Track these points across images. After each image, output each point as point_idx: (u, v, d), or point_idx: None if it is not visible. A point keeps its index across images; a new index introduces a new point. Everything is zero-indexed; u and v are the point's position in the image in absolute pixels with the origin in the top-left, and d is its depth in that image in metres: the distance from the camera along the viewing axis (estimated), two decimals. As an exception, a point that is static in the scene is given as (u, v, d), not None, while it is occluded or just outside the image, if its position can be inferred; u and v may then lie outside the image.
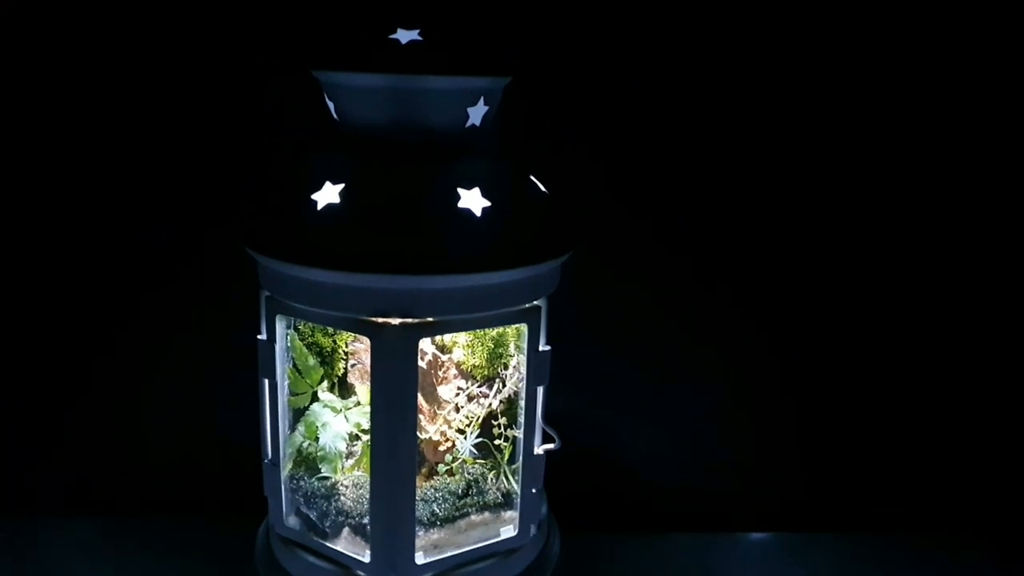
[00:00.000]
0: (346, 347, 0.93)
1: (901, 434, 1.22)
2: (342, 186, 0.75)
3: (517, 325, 0.85)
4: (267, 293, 0.82)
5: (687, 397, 1.20)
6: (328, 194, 0.75)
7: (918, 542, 1.19)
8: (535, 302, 0.82)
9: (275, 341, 0.82)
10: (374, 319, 0.74)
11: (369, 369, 0.77)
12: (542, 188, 0.86)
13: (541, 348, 0.83)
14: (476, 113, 0.80)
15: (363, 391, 0.91)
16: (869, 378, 1.20)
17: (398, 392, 0.75)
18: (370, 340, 0.75)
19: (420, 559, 0.81)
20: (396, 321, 0.74)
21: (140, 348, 1.14)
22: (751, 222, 1.13)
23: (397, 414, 0.76)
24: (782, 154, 1.11)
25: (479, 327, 0.82)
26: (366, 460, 0.86)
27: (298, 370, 0.90)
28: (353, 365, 0.94)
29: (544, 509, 0.95)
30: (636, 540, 1.19)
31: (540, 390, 0.85)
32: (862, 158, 1.11)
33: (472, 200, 0.75)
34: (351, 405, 0.92)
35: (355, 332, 0.81)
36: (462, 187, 0.75)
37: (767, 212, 1.13)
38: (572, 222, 0.86)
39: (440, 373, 0.95)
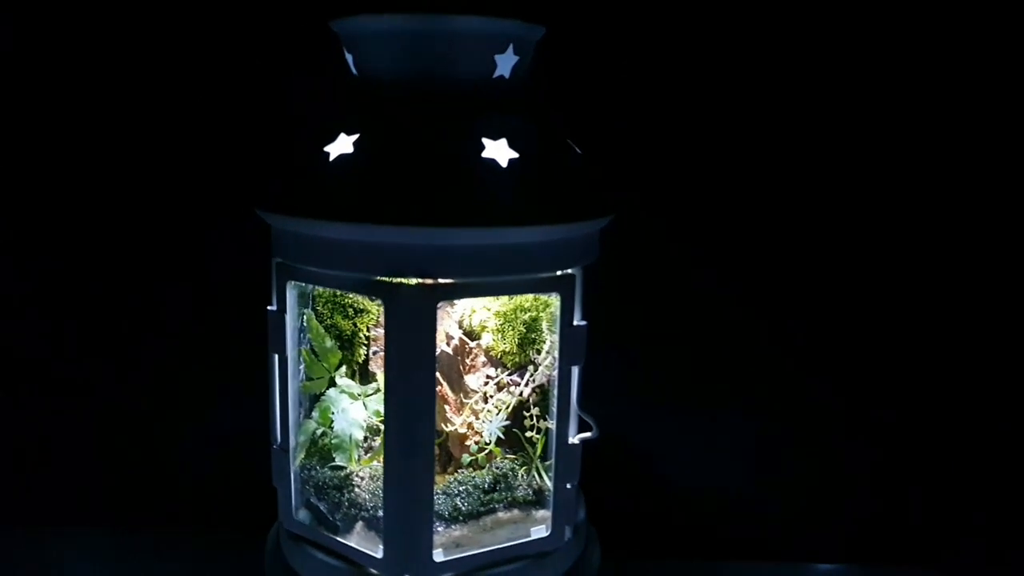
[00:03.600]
0: (367, 332, 0.86)
1: (979, 463, 1.08)
2: (356, 136, 0.69)
3: (549, 299, 0.77)
4: (278, 259, 0.75)
5: (745, 407, 1.08)
6: (341, 145, 0.69)
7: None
8: (569, 271, 0.74)
9: (285, 312, 0.75)
10: (388, 279, 0.67)
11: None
12: (578, 151, 0.78)
13: (576, 323, 0.74)
14: (505, 63, 0.73)
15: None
16: (954, 403, 1.07)
17: (414, 363, 0.67)
18: (383, 303, 0.67)
19: (439, 556, 0.72)
20: (412, 282, 0.67)
21: (151, 352, 1.09)
22: (833, 197, 1.03)
23: (413, 388, 0.68)
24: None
25: (505, 293, 0.74)
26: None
27: (314, 352, 0.83)
28: (375, 352, 0.86)
29: (582, 513, 0.85)
30: (683, 566, 1.08)
31: (575, 371, 0.76)
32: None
33: (498, 150, 0.68)
34: (370, 392, 0.84)
35: (368, 295, 0.74)
36: (487, 137, 0.68)
37: (856, 193, 1.03)
38: (611, 188, 0.78)
39: (468, 361, 0.87)
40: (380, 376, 0.85)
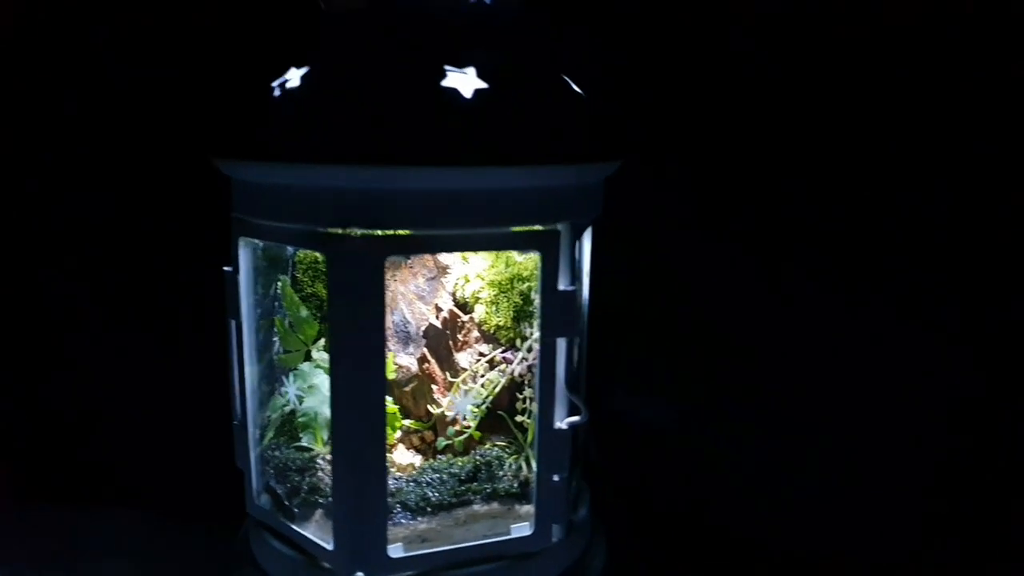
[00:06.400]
0: (352, 301, 0.77)
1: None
2: (306, 70, 0.60)
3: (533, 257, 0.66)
4: (234, 214, 0.67)
5: (815, 409, 0.93)
6: (289, 80, 0.61)
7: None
8: (556, 225, 0.63)
9: (238, 273, 0.67)
10: (331, 230, 0.58)
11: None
12: (577, 89, 0.67)
13: (561, 288, 0.64)
14: (483, -15, 0.63)
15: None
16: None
17: (361, 327, 0.58)
18: (326, 258, 0.58)
19: (397, 552, 0.63)
20: (358, 232, 0.57)
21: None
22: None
23: (361, 356, 0.59)
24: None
25: (470, 248, 0.64)
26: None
27: (290, 324, 0.75)
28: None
29: (583, 511, 0.74)
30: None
31: (561, 344, 0.65)
32: None
33: (461, 80, 0.58)
34: (349, 367, 0.75)
35: (311, 249, 0.65)
36: (451, 65, 0.58)
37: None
38: (617, 130, 0.67)
39: (460, 336, 0.77)
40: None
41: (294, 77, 0.61)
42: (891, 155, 0.88)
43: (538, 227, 0.62)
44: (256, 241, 0.67)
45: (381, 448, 0.61)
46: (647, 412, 0.98)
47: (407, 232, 0.58)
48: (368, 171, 0.55)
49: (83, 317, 1.06)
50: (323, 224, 0.58)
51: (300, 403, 0.73)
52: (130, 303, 1.05)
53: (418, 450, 0.75)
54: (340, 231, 0.58)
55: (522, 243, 0.62)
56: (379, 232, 0.58)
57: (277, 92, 0.60)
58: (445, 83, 0.57)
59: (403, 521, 0.65)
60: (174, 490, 1.06)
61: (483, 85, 0.58)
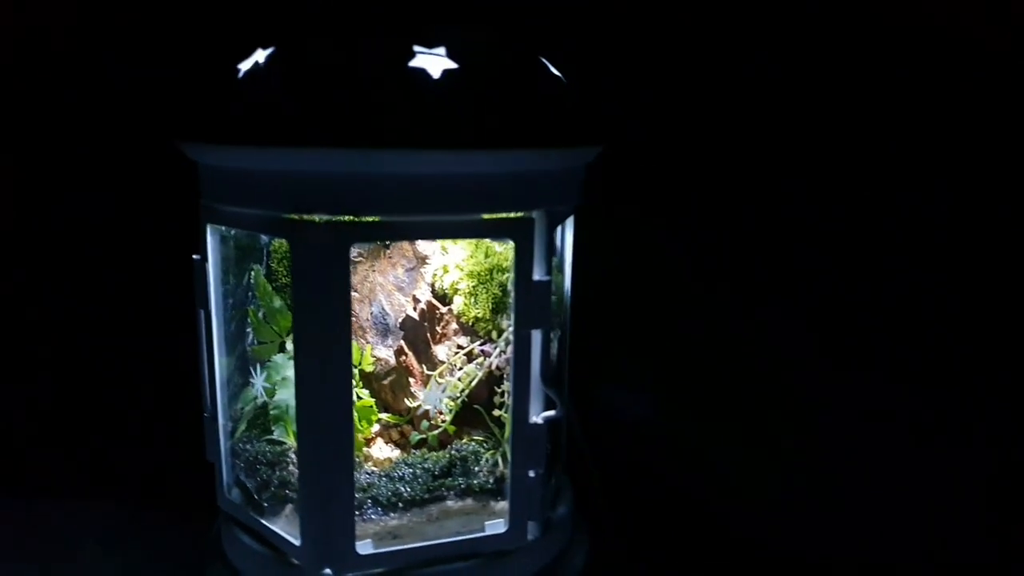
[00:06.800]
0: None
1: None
2: (271, 50, 0.59)
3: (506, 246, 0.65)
4: (202, 201, 0.66)
5: (810, 408, 0.90)
6: (253, 61, 0.59)
7: None
8: (530, 213, 0.61)
9: (207, 261, 0.66)
10: (294, 216, 0.56)
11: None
12: (555, 72, 0.66)
13: (536, 278, 0.62)
14: (456, -36, 0.61)
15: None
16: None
17: (326, 316, 0.57)
18: (289, 244, 0.57)
19: (367, 548, 0.61)
20: (321, 219, 0.56)
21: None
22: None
23: (325, 347, 0.57)
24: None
25: (439, 236, 0.63)
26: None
27: (263, 315, 0.73)
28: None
29: (563, 509, 0.72)
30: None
31: (536, 336, 0.63)
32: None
33: (430, 61, 0.56)
34: (324, 358, 0.74)
35: (274, 235, 0.63)
36: (421, 44, 0.57)
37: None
38: (598, 114, 0.66)
39: (438, 329, 0.76)
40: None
41: (259, 58, 0.59)
42: (891, 155, 0.86)
43: (511, 214, 0.60)
44: (223, 228, 0.66)
45: (348, 441, 0.59)
46: (638, 409, 0.96)
47: (372, 219, 0.56)
48: (330, 154, 0.53)
49: (83, 317, 1.05)
50: (286, 210, 0.57)
51: (268, 395, 0.71)
52: (130, 303, 1.04)
53: (397, 444, 0.74)
54: (303, 217, 0.56)
55: (494, 231, 0.60)
56: (343, 218, 0.56)
57: (241, 74, 0.59)
58: (413, 63, 0.56)
59: (373, 517, 0.64)
60: (176, 489, 1.05)
61: (452, 65, 0.57)
